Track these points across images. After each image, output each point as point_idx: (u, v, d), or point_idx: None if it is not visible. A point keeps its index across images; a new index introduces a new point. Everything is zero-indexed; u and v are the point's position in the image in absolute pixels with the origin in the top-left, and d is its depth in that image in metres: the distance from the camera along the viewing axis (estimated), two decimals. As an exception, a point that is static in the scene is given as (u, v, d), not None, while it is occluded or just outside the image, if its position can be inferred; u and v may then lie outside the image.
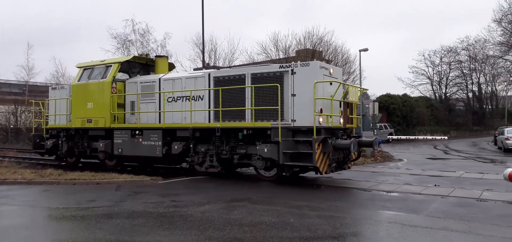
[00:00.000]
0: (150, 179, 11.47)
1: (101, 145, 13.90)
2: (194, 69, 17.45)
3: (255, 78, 11.25)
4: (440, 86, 58.77)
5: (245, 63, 28.47)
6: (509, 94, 58.36)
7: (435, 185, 10.46)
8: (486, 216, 7.06)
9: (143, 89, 13.58)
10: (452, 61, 55.62)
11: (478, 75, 57.52)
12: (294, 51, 30.77)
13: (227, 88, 11.49)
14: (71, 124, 14.79)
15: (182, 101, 12.62)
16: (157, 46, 28.25)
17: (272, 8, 71.51)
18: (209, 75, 12.19)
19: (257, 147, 10.66)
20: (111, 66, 14.01)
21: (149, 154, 12.75)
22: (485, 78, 58.14)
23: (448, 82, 57.55)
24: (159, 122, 13.11)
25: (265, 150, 10.46)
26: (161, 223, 6.55)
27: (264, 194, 9.36)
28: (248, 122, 11.21)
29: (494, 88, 60.89)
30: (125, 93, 13.97)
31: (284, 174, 11.11)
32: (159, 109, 13.10)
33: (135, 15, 52.67)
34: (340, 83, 11.11)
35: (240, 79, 11.52)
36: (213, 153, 11.76)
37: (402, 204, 8.12)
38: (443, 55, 54.69)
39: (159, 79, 13.29)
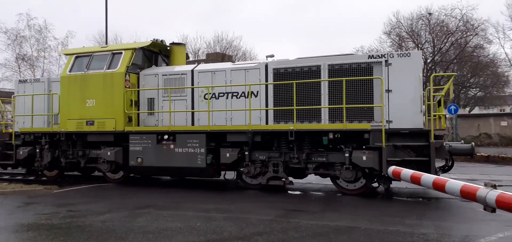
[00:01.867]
0: (44, 188, 10.74)
1: (109, 153, 11.11)
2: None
3: (333, 70, 9.59)
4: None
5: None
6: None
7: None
8: None
9: (167, 83, 11.12)
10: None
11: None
12: (204, 53, 31.21)
13: (298, 82, 9.63)
14: (60, 127, 11.72)
15: (227, 98, 10.49)
16: (57, 44, 25.48)
17: (185, 10, 70.40)
18: (266, 66, 10.23)
19: (353, 154, 8.96)
20: (121, 53, 11.30)
21: (186, 164, 10.34)
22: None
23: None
24: (192, 123, 10.81)
25: (364, 158, 8.82)
26: (55, 236, 6.12)
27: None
28: (325, 123, 9.52)
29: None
30: (138, 88, 11.39)
31: (372, 185, 9.58)
32: (193, 108, 10.80)
33: (31, 9, 47.27)
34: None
35: (311, 71, 9.78)
36: (278, 161, 9.82)
37: None
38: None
39: (192, 71, 10.97)
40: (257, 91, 10.17)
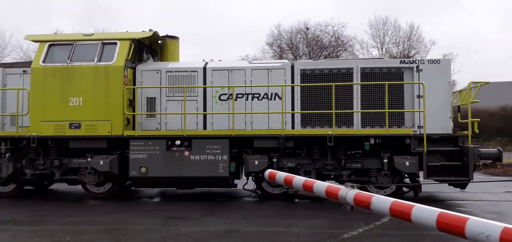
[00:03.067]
0: None
1: (101, 163, 9.51)
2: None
3: (365, 74, 9.62)
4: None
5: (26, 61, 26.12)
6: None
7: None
8: None
9: (172, 81, 10.00)
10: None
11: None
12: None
13: (337, 84, 9.38)
14: (31, 130, 9.71)
15: (247, 99, 9.81)
16: None
17: (62, 7, 65.74)
18: (292, 67, 9.83)
19: (395, 160, 9.03)
20: (115, 43, 9.82)
21: (204, 174, 9.33)
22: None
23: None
24: (204, 127, 9.86)
25: (407, 163, 8.95)
26: None
27: None
28: (358, 128, 9.47)
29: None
30: (134, 85, 10.02)
31: (400, 192, 9.77)
32: (205, 110, 9.85)
33: None
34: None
35: (341, 73, 9.67)
36: (310, 169, 9.45)
37: None
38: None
39: (204, 68, 10.02)
40: (280, 93, 9.70)
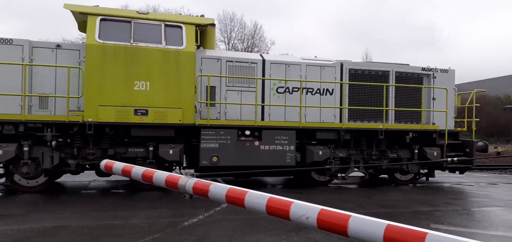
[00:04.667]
0: None
1: (171, 152, 9.31)
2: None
3: (399, 77, 11.56)
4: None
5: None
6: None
7: None
8: None
9: (232, 71, 10.27)
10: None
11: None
12: None
13: (370, 84, 11.07)
14: (86, 114, 8.83)
15: (302, 93, 10.74)
16: None
17: None
18: (341, 65, 11.14)
19: (427, 150, 11.17)
20: (180, 27, 9.62)
21: (274, 163, 9.97)
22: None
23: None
24: (262, 118, 10.45)
25: (435, 153, 11.21)
26: None
27: None
28: (391, 123, 11.36)
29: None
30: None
31: (417, 177, 12.02)
32: (263, 101, 10.43)
33: None
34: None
35: (378, 75, 11.41)
36: (359, 158, 10.93)
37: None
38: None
39: (263, 60, 10.54)
40: (332, 89, 10.97)
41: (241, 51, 47.68)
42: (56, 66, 9.14)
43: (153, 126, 9.34)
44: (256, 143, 10.01)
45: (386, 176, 12.21)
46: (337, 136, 10.71)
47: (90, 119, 8.89)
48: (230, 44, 58.70)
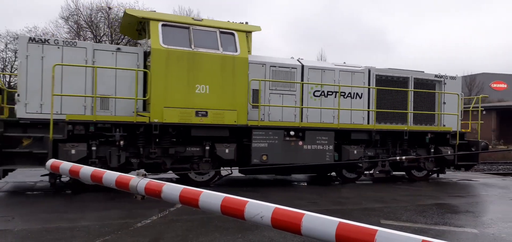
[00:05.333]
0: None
1: (226, 151, 10.09)
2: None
3: (417, 83, 12.89)
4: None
5: None
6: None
7: None
8: None
9: (275, 75, 11.17)
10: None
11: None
12: None
13: (392, 89, 12.32)
14: (152, 116, 9.43)
15: (335, 97, 11.80)
16: None
17: None
18: (369, 71, 12.29)
19: (442, 150, 12.57)
20: (232, 34, 10.40)
21: (314, 161, 10.97)
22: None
23: (13, 70, 54.89)
24: (301, 119, 11.42)
25: (449, 152, 12.64)
26: None
27: None
28: (410, 125, 12.68)
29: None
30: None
31: (430, 173, 13.43)
32: (301, 104, 11.40)
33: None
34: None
35: (400, 81, 12.69)
36: (385, 157, 12.15)
37: None
38: (8, 41, 49.30)
39: (302, 66, 11.50)
40: (361, 93, 12.12)
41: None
42: (127, 69, 9.70)
43: (211, 127, 10.09)
44: (300, 143, 10.98)
45: (404, 173, 13.54)
46: (368, 137, 11.88)
47: (156, 120, 9.52)
48: None
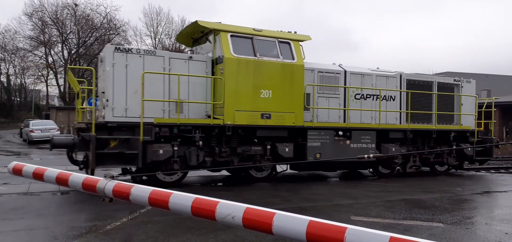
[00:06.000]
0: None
1: (286, 150, 11.31)
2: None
3: (439, 86, 14.42)
4: None
5: None
6: (37, 88, 65.31)
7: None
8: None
9: (322, 80, 12.44)
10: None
11: (7, 66, 58.13)
12: None
13: (421, 92, 13.82)
14: (226, 118, 10.54)
15: (372, 99, 13.17)
16: None
17: None
18: (400, 76, 13.72)
19: (463, 146, 14.15)
20: (288, 43, 11.61)
21: (359, 158, 12.30)
22: (15, 70, 60.03)
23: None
24: (344, 121, 12.73)
25: (469, 149, 14.22)
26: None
27: None
28: (435, 124, 14.20)
29: (23, 81, 64.41)
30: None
31: (450, 168, 15.01)
32: (345, 106, 12.71)
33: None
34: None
35: (425, 84, 14.19)
36: (415, 154, 13.61)
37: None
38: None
39: (345, 71, 12.82)
40: (394, 96, 13.53)
41: (168, 46, 49.76)
42: (206, 77, 10.86)
43: (273, 128, 11.27)
44: (347, 141, 12.30)
45: (428, 168, 15.07)
46: (403, 135, 13.33)
47: (229, 122, 10.62)
48: (156, 39, 57.61)
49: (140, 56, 10.38)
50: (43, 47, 47.58)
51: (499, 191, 11.47)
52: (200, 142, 10.43)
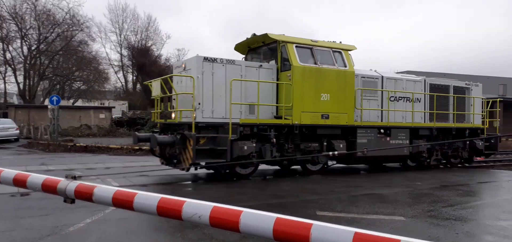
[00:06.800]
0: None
1: (341, 146, 13.18)
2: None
3: (454, 89, 16.68)
4: None
5: None
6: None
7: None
8: None
9: (365, 85, 14.37)
10: None
11: None
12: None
13: (442, 95, 16.03)
14: (294, 119, 12.28)
15: (404, 101, 15.24)
16: None
17: None
18: (425, 81, 15.87)
19: (476, 142, 16.46)
20: (339, 52, 13.48)
21: (396, 153, 14.34)
22: None
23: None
24: (381, 120, 14.73)
25: (480, 143, 16.55)
26: None
27: None
28: (454, 123, 16.44)
29: None
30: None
31: (462, 161, 17.33)
32: (382, 107, 14.71)
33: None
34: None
35: (444, 88, 16.41)
36: (437, 149, 15.78)
37: None
38: None
39: (382, 77, 14.82)
40: (420, 99, 15.65)
41: (133, 43, 52.23)
42: (273, 82, 12.56)
43: (330, 127, 13.12)
44: (388, 138, 14.32)
45: (444, 161, 17.33)
46: (429, 132, 15.50)
47: (296, 122, 12.38)
48: (122, 36, 58.78)
49: (223, 65, 11.99)
50: (0, 43, 45.34)
51: (455, 185, 11.72)
52: (274, 139, 12.15)
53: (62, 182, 3.27)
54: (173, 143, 11.38)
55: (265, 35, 12.75)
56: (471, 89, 17.42)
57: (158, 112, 13.26)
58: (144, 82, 36.79)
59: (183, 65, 12.40)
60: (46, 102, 42.88)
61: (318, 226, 2.14)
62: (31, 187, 3.51)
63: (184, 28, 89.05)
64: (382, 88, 14.88)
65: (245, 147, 11.64)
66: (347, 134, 13.80)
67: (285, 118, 12.45)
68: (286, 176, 13.22)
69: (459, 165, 16.88)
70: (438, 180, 12.58)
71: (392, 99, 15.07)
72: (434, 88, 16.23)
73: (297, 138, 12.80)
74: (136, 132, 11.81)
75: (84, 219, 6.78)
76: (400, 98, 15.28)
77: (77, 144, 24.15)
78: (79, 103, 52.42)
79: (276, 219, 2.28)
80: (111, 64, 59.93)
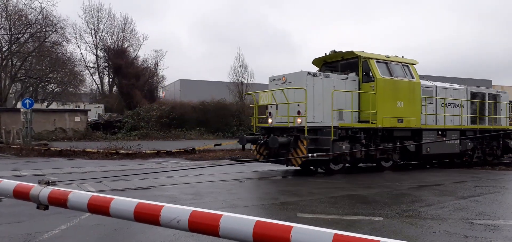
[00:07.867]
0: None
1: (412, 146, 15.64)
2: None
3: (489, 96, 19.48)
4: None
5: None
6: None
7: None
8: None
9: (424, 93, 16.93)
10: None
11: None
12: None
13: (479, 101, 18.79)
14: (377, 123, 14.71)
15: (452, 107, 17.89)
16: None
17: None
18: (467, 89, 18.60)
19: (508, 141, 19.27)
20: (407, 65, 16.01)
21: (450, 151, 16.97)
22: None
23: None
24: (436, 123, 17.34)
25: (511, 143, 19.39)
26: None
27: None
28: (492, 125, 19.20)
29: None
30: (406, 94, 16.38)
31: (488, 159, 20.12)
32: (436, 112, 17.32)
33: None
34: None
35: (481, 95, 19.19)
36: (478, 147, 18.51)
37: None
38: None
39: (435, 86, 17.43)
40: (464, 104, 18.34)
41: (109, 44, 52.54)
42: (358, 92, 14.95)
43: (403, 129, 15.59)
44: (444, 138, 16.91)
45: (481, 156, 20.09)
46: (474, 133, 18.22)
47: (379, 126, 14.79)
48: (97, 37, 57.98)
49: (321, 79, 14.29)
50: (-31, 44, 43.24)
51: (431, 185, 12.01)
52: (363, 141, 14.53)
53: (35, 188, 3.25)
54: (289, 144, 13.59)
55: (350, 51, 15.17)
56: (500, 96, 20.31)
57: (257, 118, 15.45)
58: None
59: (284, 79, 14.63)
60: (19, 105, 40.33)
61: (298, 228, 2.19)
62: (2, 193, 3.46)
63: (159, 30, 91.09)
64: (436, 95, 17.51)
65: (344, 146, 13.97)
66: (415, 135, 16.32)
67: (372, 122, 14.88)
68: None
69: (495, 161, 19.79)
70: (416, 180, 13.11)
71: (443, 105, 17.72)
72: (474, 95, 19.00)
73: (377, 139, 15.22)
74: (243, 134, 14.03)
75: (58, 226, 6.67)
76: (449, 104, 17.95)
77: (52, 148, 23.26)
78: (54, 106, 51.03)
79: (256, 222, 2.32)
80: (86, 66, 59.53)
